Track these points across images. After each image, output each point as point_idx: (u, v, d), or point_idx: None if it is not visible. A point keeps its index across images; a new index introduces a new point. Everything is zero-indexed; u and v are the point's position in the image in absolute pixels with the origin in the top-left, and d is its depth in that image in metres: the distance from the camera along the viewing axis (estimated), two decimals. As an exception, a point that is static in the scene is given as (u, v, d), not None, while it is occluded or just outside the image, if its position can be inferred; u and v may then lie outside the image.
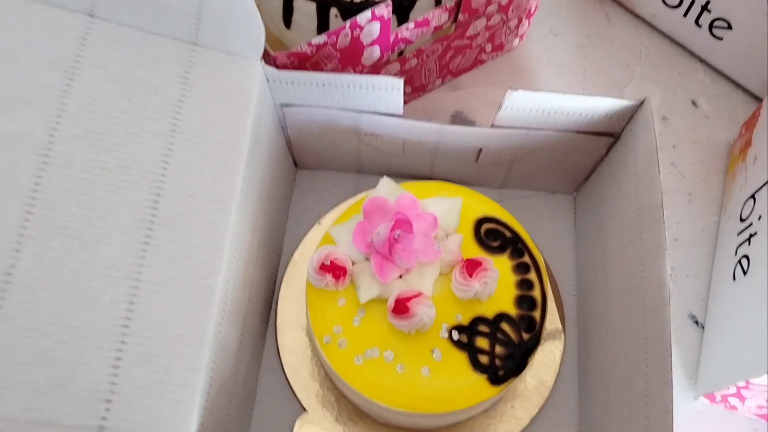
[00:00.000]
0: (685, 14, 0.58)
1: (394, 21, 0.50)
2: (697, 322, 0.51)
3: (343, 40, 0.45)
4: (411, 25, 0.49)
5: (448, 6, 0.49)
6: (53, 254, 0.33)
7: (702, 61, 0.61)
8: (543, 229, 0.52)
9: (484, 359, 0.40)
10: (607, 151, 0.48)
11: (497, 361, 0.40)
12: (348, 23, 0.44)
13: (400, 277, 0.41)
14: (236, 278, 0.39)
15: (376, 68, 0.51)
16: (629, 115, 0.44)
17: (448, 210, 0.44)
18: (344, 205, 0.51)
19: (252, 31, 0.39)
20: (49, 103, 0.35)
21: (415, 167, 0.52)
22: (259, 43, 0.40)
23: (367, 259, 0.41)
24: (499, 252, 0.43)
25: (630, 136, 0.44)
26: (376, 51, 0.48)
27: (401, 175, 0.52)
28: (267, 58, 0.43)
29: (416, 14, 0.51)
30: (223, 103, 0.39)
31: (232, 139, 0.39)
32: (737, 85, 0.60)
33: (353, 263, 0.41)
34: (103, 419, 0.32)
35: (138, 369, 0.33)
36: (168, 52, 0.38)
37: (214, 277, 0.35)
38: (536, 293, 0.42)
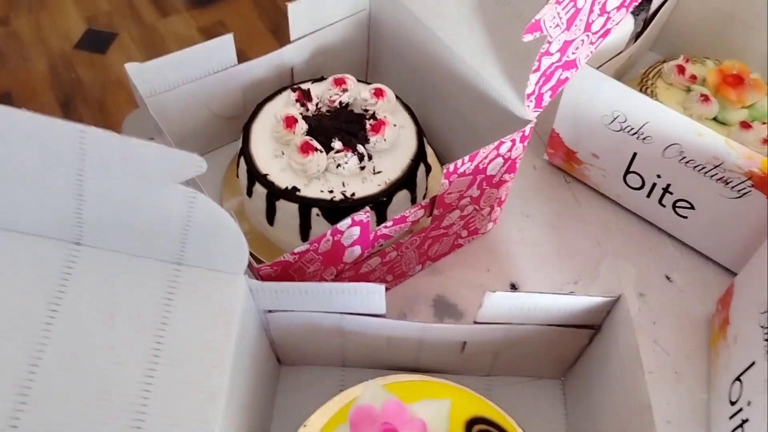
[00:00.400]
0: (648, 195, 0.61)
1: (373, 220, 0.52)
2: None
3: (325, 245, 0.47)
4: (389, 223, 0.51)
5: (423, 203, 0.52)
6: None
7: (670, 236, 0.63)
8: (533, 417, 0.51)
9: None
10: (591, 340, 0.48)
11: None
12: (329, 231, 0.46)
13: (391, 492, 0.39)
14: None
15: (357, 264, 0.52)
16: (607, 309, 0.44)
17: (437, 413, 0.43)
18: (330, 405, 0.49)
19: (235, 249, 0.40)
20: (32, 335, 0.35)
21: (401, 360, 0.51)
22: (243, 259, 0.41)
23: (356, 476, 0.39)
24: (492, 456, 0.42)
25: (610, 330, 0.45)
26: (356, 250, 0.50)
27: (387, 367, 0.52)
28: (251, 269, 0.44)
29: (393, 211, 0.54)
30: (207, 319, 0.39)
31: (215, 356, 0.38)
32: (707, 258, 0.62)
33: (341, 483, 0.40)
34: None
35: None
36: (153, 274, 0.39)
37: None
38: (533, 503, 0.40)
